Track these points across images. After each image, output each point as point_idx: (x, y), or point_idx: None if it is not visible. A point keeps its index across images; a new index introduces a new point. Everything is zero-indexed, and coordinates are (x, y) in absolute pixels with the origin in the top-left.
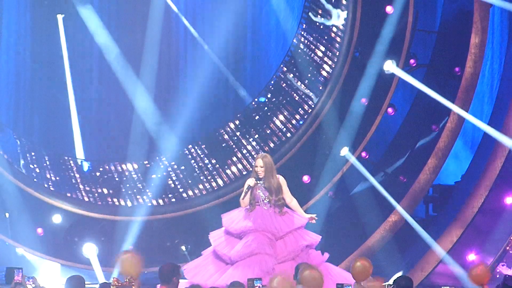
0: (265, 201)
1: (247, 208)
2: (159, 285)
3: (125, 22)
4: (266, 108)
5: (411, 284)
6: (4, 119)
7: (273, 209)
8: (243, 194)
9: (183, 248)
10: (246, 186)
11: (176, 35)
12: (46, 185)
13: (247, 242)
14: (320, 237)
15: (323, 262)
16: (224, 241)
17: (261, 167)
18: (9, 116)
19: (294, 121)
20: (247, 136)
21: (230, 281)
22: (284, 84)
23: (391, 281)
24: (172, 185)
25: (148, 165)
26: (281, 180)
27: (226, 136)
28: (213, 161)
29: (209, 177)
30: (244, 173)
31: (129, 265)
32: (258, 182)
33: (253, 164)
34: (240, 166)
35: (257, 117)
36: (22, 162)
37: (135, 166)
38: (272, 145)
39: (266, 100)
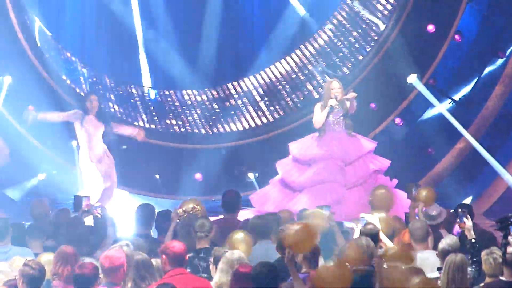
0: (335, 125)
1: (315, 135)
2: None
3: None
4: (333, 35)
5: (472, 212)
6: (70, 48)
7: (344, 132)
8: (321, 115)
9: (251, 175)
10: (328, 105)
11: None
12: (117, 115)
13: (318, 170)
14: (389, 161)
15: (391, 187)
16: (292, 168)
17: (339, 88)
18: (75, 46)
19: (360, 48)
20: (314, 64)
21: (298, 206)
22: (351, 11)
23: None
24: (240, 113)
25: (215, 93)
26: None
27: (293, 64)
28: (280, 88)
29: (276, 106)
30: (312, 100)
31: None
32: (337, 103)
33: (323, 88)
34: (306, 92)
35: (324, 45)
36: (88, 90)
37: (202, 94)
38: (339, 72)
39: (333, 27)
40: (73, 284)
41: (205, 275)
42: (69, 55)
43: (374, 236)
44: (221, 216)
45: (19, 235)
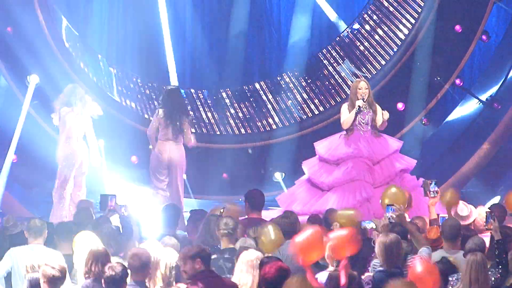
0: (363, 123)
1: (342, 134)
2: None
3: None
4: (360, 35)
5: (505, 213)
6: (97, 47)
7: (371, 132)
8: (349, 115)
9: (277, 175)
10: (356, 106)
11: None
12: (140, 113)
13: (347, 169)
14: (416, 161)
15: (418, 187)
16: (320, 169)
17: (366, 88)
18: (102, 44)
19: (388, 48)
20: (341, 64)
21: (326, 206)
22: (378, 11)
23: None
24: (266, 113)
25: (242, 93)
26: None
27: (320, 64)
28: (307, 89)
29: (303, 105)
30: (339, 100)
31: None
32: (364, 103)
33: (350, 88)
34: (334, 93)
35: (351, 44)
36: (116, 90)
37: (229, 93)
38: (366, 72)
39: (360, 27)
40: (104, 285)
41: (230, 276)
42: (96, 55)
43: (403, 233)
44: (246, 216)
45: (49, 235)
